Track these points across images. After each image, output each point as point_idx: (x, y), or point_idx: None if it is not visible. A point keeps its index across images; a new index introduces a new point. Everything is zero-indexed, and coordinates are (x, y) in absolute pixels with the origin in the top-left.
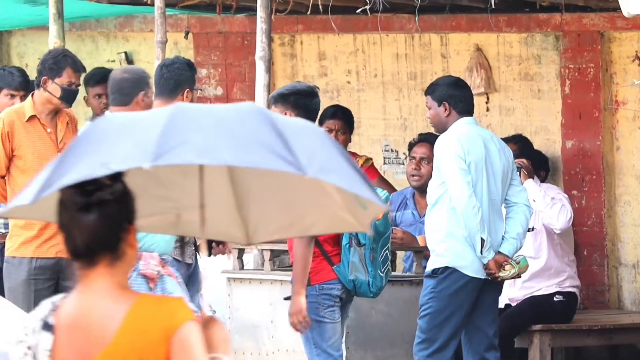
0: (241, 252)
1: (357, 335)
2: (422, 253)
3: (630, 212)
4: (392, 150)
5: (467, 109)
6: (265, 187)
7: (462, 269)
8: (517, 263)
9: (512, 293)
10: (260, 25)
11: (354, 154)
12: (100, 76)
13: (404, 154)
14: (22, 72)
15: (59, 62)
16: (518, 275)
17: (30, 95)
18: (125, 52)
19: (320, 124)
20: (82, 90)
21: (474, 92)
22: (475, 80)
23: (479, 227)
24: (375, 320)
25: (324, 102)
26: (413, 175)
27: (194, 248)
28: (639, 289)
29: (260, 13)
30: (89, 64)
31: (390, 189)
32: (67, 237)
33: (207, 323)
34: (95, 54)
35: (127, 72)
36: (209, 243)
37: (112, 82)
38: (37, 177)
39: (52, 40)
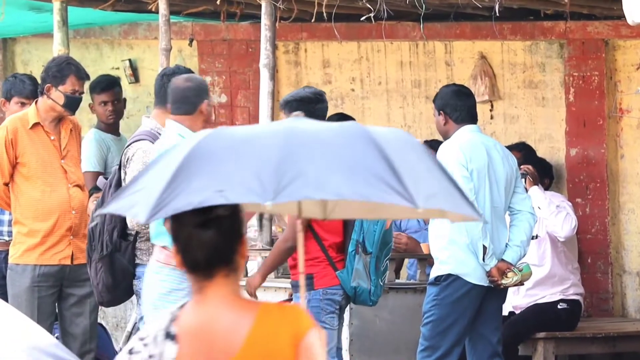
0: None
1: (361, 342)
2: (427, 260)
3: (634, 220)
4: None
5: (463, 118)
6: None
7: (464, 277)
8: (520, 270)
9: (516, 301)
10: (265, 32)
11: None
12: (105, 83)
13: None
14: (33, 81)
15: (63, 69)
16: (521, 283)
17: (34, 103)
18: (130, 60)
19: None
20: (87, 98)
21: (478, 99)
22: (480, 88)
23: (481, 235)
24: (379, 328)
25: (328, 110)
26: None
27: None
28: None
29: (265, 21)
30: (93, 72)
31: None
32: (185, 252)
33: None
34: (100, 61)
35: (191, 81)
36: None
37: (174, 91)
38: (143, 187)
39: (56, 48)
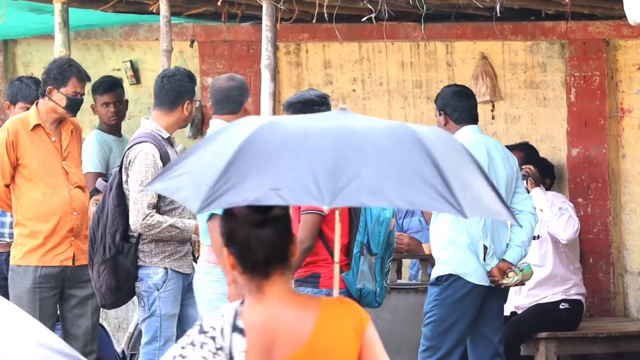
0: None
1: None
2: (428, 261)
3: (636, 219)
4: None
5: (463, 119)
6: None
7: (465, 277)
8: (521, 270)
9: (518, 301)
10: (266, 33)
11: None
12: (108, 85)
13: None
14: (39, 85)
15: (65, 71)
16: (522, 283)
17: (34, 104)
18: (131, 61)
19: None
20: (88, 99)
21: (479, 100)
22: (481, 88)
23: (482, 234)
24: (380, 328)
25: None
26: None
27: (191, 258)
28: None
29: (266, 22)
30: (95, 73)
31: None
32: (243, 252)
33: None
34: (101, 62)
35: (233, 80)
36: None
37: (217, 91)
38: (191, 170)
39: (57, 49)
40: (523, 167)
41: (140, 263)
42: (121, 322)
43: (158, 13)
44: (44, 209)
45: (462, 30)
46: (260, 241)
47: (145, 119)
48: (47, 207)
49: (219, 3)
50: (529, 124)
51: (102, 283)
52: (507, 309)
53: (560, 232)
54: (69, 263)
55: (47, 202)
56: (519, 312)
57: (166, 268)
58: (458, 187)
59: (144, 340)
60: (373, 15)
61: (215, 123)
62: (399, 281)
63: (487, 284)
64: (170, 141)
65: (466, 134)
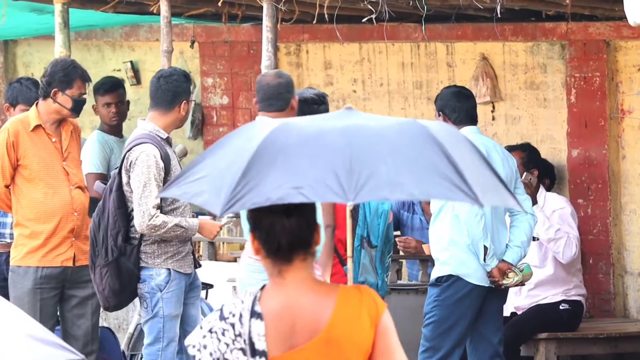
0: None
1: None
2: (428, 261)
3: (636, 220)
4: None
5: (462, 119)
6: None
7: (465, 277)
8: (521, 271)
9: (518, 301)
10: (266, 34)
11: None
12: (109, 85)
13: None
14: (38, 87)
15: (70, 73)
16: (522, 283)
17: (34, 105)
18: (131, 62)
19: None
20: (90, 99)
21: (479, 101)
22: (481, 89)
23: (482, 235)
24: None
25: (330, 112)
26: None
27: (192, 257)
28: None
29: (266, 22)
30: (95, 74)
31: None
32: (267, 238)
33: None
34: (101, 63)
35: (281, 77)
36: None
37: (265, 88)
38: (208, 174)
39: (57, 50)
40: (523, 179)
41: (142, 264)
42: (121, 323)
43: (158, 14)
44: (44, 210)
45: (463, 31)
46: (285, 228)
47: (142, 120)
48: (48, 208)
49: (219, 4)
50: (529, 125)
51: (105, 286)
52: (507, 310)
53: (559, 256)
54: (70, 264)
55: (48, 203)
56: (519, 312)
57: (169, 269)
58: (470, 178)
59: (146, 341)
60: (373, 16)
61: (262, 121)
62: (399, 282)
63: (487, 285)
64: (168, 141)
65: (465, 134)
